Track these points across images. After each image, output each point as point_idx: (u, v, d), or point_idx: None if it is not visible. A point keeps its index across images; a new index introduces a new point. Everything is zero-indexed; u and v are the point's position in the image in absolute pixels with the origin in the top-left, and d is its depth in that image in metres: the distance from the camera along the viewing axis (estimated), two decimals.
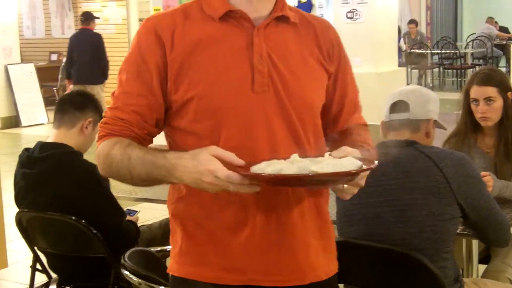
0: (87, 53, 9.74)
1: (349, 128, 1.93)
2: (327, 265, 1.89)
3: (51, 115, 12.39)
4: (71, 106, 3.38)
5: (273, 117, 1.78)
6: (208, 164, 1.60)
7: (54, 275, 3.52)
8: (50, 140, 3.35)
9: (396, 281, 2.53)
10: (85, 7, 13.60)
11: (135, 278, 2.71)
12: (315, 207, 1.85)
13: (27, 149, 3.33)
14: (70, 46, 10.02)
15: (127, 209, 3.61)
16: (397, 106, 2.68)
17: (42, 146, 3.28)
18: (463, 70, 15.18)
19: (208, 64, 1.76)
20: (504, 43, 16.34)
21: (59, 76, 13.22)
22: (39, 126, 11.79)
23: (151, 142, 1.85)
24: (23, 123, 11.80)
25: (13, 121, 11.72)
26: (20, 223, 3.33)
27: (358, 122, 1.98)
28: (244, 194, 1.67)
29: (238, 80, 1.76)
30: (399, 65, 11.13)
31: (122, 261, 2.84)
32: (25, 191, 3.28)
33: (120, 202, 3.38)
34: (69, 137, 3.31)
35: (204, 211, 1.79)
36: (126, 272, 2.77)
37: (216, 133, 1.76)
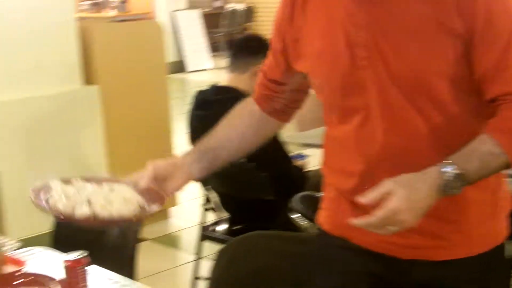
0: None
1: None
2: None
3: (216, 61, 12.67)
4: (244, 50, 3.41)
5: (373, 95, 1.61)
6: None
7: (224, 215, 3.65)
8: (223, 83, 3.43)
9: None
10: None
11: (302, 222, 2.75)
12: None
13: (201, 91, 3.43)
14: None
15: (297, 154, 3.64)
16: None
17: (216, 89, 3.37)
18: None
19: (312, 37, 1.69)
20: None
21: (223, 23, 13.47)
22: (204, 71, 12.12)
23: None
24: (189, 68, 12.18)
25: (180, 66, 12.12)
26: None
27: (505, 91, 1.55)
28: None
29: (337, 56, 1.63)
30: None
31: (290, 205, 2.89)
32: (198, 132, 3.37)
33: (290, 147, 3.42)
34: (242, 82, 3.36)
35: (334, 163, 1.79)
36: (294, 216, 2.82)
37: (326, 109, 1.75)
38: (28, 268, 2.22)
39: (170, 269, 4.28)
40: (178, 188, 1.79)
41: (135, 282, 2.17)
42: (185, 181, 1.79)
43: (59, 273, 2.00)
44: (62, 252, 2.13)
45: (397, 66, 1.56)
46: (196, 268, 3.62)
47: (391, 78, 1.57)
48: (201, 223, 3.60)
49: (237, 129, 1.90)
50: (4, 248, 2.33)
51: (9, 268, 2.22)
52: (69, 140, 4.63)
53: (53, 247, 2.47)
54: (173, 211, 5.07)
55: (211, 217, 3.69)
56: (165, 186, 1.76)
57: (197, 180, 1.85)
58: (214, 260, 2.22)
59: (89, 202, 1.70)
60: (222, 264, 2.18)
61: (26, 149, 4.46)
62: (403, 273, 1.71)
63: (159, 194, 1.74)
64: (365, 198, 1.47)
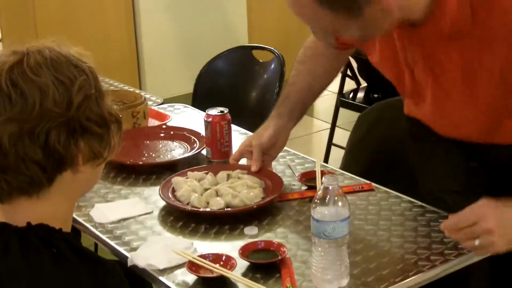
0: None
1: None
2: None
3: None
4: None
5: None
6: None
7: (363, 83, 3.59)
8: None
9: None
10: None
11: None
12: None
13: None
14: None
15: None
16: None
17: None
18: None
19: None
20: None
21: None
22: None
23: None
24: None
25: None
26: None
27: None
28: None
29: (398, 71, 1.64)
30: None
31: None
32: None
33: None
34: None
35: None
36: None
37: None
38: (172, 122, 2.28)
39: (305, 135, 4.31)
40: (282, 148, 1.91)
41: None
42: (286, 141, 1.90)
43: (201, 129, 2.04)
44: (202, 111, 2.17)
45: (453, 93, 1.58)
46: (331, 135, 3.61)
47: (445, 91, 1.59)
48: (339, 91, 3.56)
49: (316, 73, 1.90)
50: (149, 102, 2.40)
51: (154, 122, 2.30)
52: (212, 2, 4.64)
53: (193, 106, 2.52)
54: None
55: (348, 85, 3.64)
56: (271, 153, 1.87)
57: None
58: (355, 125, 2.19)
59: (218, 194, 1.73)
60: (362, 129, 2.15)
61: (168, 12, 4.52)
62: (482, 155, 1.73)
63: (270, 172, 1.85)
64: (456, 218, 1.44)
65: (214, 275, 1.42)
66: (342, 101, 3.50)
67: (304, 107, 1.91)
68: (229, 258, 1.46)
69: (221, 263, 1.46)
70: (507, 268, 1.69)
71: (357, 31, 1.43)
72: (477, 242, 1.39)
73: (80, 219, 1.69)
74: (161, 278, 1.44)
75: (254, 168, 1.82)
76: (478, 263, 1.53)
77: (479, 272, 1.64)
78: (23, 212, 1.09)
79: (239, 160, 1.89)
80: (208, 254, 1.48)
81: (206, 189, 1.75)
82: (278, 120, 1.87)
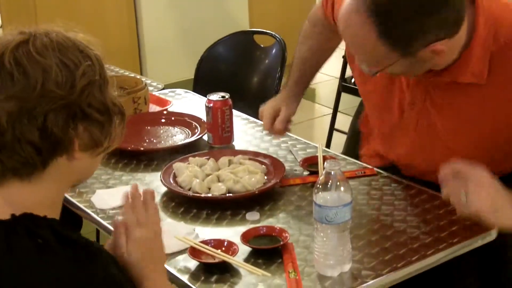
0: None
1: None
2: None
3: None
4: None
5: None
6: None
7: None
8: None
9: None
10: None
11: None
12: None
13: None
14: None
15: None
16: None
17: None
18: None
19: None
20: None
21: None
22: None
23: None
24: None
25: None
26: None
27: None
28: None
29: (388, 108, 1.70)
30: None
31: None
32: None
33: None
34: None
35: None
36: None
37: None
38: (173, 108, 2.27)
39: (307, 120, 4.30)
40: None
41: None
42: None
43: (202, 114, 2.04)
44: (203, 97, 2.15)
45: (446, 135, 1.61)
46: (333, 120, 3.60)
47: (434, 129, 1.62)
48: (341, 76, 3.55)
49: (326, 47, 1.95)
50: (150, 88, 2.39)
51: (155, 107, 2.29)
52: None
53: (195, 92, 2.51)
54: None
55: (350, 70, 3.61)
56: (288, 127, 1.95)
57: None
58: (356, 110, 2.18)
59: (219, 179, 1.73)
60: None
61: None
62: None
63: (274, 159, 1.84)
64: (457, 164, 1.43)
65: (216, 260, 1.42)
66: (344, 86, 3.48)
67: (311, 81, 2.02)
68: (231, 244, 1.46)
69: (223, 248, 1.45)
70: (493, 260, 1.70)
71: (401, 68, 1.48)
72: (463, 197, 1.39)
73: (81, 205, 1.69)
74: None
75: (279, 126, 1.87)
76: (467, 255, 1.52)
77: (466, 265, 1.64)
78: (14, 195, 1.07)
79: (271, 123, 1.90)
80: (210, 239, 1.48)
81: (207, 175, 1.74)
82: (299, 98, 1.97)
